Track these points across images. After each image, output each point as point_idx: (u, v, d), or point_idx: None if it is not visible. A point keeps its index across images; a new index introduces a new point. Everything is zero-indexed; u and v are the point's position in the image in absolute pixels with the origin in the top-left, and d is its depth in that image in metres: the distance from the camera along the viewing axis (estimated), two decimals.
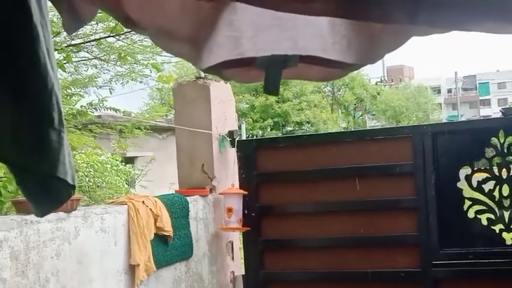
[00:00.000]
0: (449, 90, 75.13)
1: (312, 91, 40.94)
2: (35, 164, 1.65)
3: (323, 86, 45.45)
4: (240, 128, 6.28)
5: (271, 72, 1.65)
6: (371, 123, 52.37)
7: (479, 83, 77.97)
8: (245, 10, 1.60)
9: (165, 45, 1.84)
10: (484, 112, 69.76)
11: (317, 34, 1.64)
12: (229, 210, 5.58)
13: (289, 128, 39.46)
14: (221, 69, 1.76)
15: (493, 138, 5.27)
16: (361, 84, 47.92)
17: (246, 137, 15.92)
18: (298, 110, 38.70)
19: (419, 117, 51.64)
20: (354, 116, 51.06)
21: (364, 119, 52.88)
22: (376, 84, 56.34)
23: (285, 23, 1.62)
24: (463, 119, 44.72)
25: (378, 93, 51.74)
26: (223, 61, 1.69)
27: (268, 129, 37.99)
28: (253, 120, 36.85)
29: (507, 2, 1.26)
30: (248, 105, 37.81)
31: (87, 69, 9.52)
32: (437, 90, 73.30)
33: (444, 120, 48.29)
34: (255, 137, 29.95)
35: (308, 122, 39.35)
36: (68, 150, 1.68)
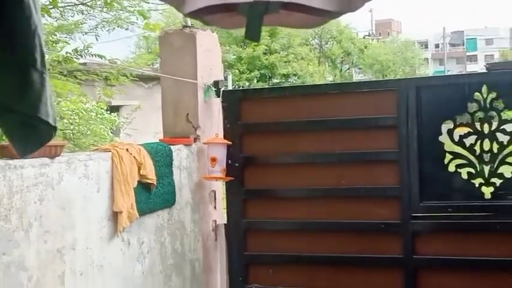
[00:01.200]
0: (437, 46, 75.11)
1: (299, 43, 40.72)
2: (17, 104, 1.65)
3: (311, 39, 45.26)
4: (226, 79, 6.24)
5: (252, 18, 1.66)
6: (358, 77, 52.31)
7: (466, 39, 77.91)
8: None
9: None
10: (471, 68, 69.80)
11: None
12: (213, 159, 5.60)
13: (275, 80, 39.31)
14: (204, 15, 1.76)
15: (476, 94, 5.28)
16: (349, 37, 47.77)
17: (232, 88, 15.88)
18: (285, 62, 38.49)
19: (406, 71, 51.70)
20: (341, 70, 51.00)
21: (351, 73, 52.85)
22: (364, 37, 56.21)
23: None
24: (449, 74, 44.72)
25: (366, 47, 51.66)
26: (205, 6, 1.69)
27: (255, 81, 37.83)
28: (239, 71, 36.66)
29: None
30: (235, 57, 37.56)
31: (73, 15, 9.45)
32: (424, 45, 73.25)
33: (430, 75, 48.31)
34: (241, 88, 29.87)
35: (295, 75, 39.20)
36: (49, 93, 1.68)
